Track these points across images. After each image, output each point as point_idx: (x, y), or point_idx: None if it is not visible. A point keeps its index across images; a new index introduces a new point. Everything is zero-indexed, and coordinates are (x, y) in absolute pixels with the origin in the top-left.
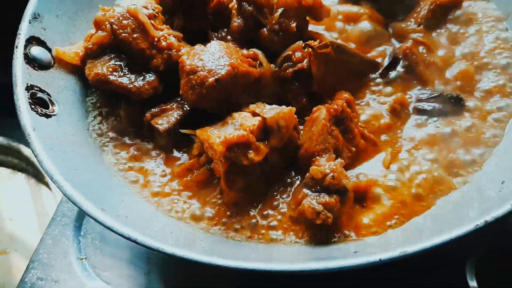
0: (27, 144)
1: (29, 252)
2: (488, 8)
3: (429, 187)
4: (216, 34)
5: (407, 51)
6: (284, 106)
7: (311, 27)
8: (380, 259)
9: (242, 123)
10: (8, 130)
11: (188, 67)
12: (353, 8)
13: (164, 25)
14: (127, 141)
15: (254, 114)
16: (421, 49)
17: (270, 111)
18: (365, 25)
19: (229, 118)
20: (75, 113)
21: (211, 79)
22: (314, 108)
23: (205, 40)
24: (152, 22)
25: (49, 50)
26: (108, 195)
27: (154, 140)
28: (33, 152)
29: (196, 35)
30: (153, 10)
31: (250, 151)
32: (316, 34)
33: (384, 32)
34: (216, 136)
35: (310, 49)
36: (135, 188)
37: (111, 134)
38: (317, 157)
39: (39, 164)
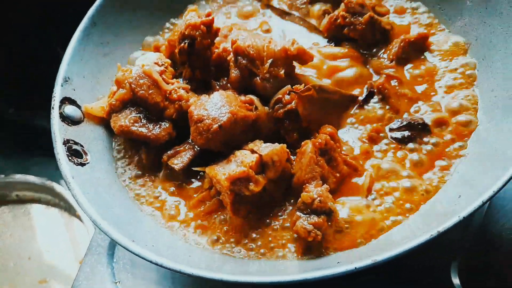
0: (60, 183)
1: (67, 279)
2: (451, 40)
3: (401, 203)
4: (218, 83)
5: (380, 86)
6: (276, 144)
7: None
8: (355, 268)
9: (242, 160)
10: (41, 169)
11: (196, 116)
12: (335, 49)
13: (174, 79)
14: (149, 179)
15: (253, 151)
16: (393, 82)
17: (265, 148)
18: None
19: (232, 156)
20: (104, 159)
21: (215, 126)
22: (302, 143)
23: (209, 88)
24: (164, 77)
25: (79, 107)
26: (136, 227)
27: (171, 177)
28: (73, 197)
29: (202, 84)
30: (163, 65)
31: (250, 184)
32: (303, 76)
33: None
34: (222, 173)
35: (295, 94)
36: (157, 219)
37: (135, 174)
38: (307, 184)
39: (79, 206)
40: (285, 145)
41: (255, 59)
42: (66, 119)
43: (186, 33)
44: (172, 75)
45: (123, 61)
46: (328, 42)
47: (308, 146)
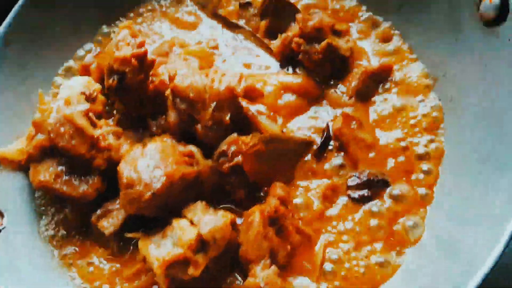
0: None
1: None
2: (417, 73)
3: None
4: (155, 122)
5: (337, 132)
6: (219, 218)
7: None
8: None
9: (180, 238)
10: None
11: (125, 180)
12: (289, 78)
13: (103, 120)
14: (75, 240)
15: (192, 223)
16: (352, 124)
17: (205, 225)
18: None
19: (168, 228)
20: (24, 217)
21: (147, 194)
22: (249, 211)
23: (145, 125)
24: (91, 115)
25: None
26: None
27: (103, 242)
28: None
29: (137, 119)
30: (91, 94)
31: (189, 267)
32: (255, 119)
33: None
34: (155, 257)
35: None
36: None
37: (61, 234)
38: (253, 265)
39: None
40: (228, 220)
41: (195, 102)
42: None
43: (114, 67)
44: (103, 104)
45: (46, 85)
46: (281, 66)
47: (255, 216)
